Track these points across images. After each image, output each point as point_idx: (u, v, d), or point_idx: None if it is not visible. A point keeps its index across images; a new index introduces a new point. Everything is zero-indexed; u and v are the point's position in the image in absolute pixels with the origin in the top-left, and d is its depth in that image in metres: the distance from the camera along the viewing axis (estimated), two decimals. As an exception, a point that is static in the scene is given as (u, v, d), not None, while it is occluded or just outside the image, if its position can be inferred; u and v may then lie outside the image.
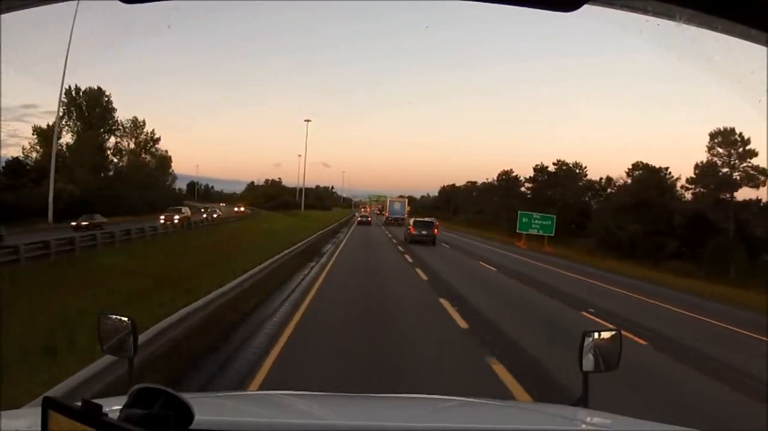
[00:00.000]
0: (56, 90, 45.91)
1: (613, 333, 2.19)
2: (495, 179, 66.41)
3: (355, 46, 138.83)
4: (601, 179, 52.95)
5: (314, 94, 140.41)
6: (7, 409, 1.58)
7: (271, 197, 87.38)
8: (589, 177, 55.09)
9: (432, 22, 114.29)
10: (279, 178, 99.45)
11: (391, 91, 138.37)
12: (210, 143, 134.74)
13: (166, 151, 60.59)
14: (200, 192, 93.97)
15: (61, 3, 1.11)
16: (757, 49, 0.96)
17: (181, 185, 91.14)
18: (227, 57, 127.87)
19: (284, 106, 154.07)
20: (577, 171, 56.72)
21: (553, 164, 56.92)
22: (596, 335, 2.15)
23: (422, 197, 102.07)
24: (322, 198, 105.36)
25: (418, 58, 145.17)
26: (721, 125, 37.70)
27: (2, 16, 1.04)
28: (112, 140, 52.46)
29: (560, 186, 55.03)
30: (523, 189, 61.09)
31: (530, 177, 58.93)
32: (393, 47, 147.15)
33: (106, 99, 50.72)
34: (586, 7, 0.92)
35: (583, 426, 1.95)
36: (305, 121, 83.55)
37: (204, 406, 1.42)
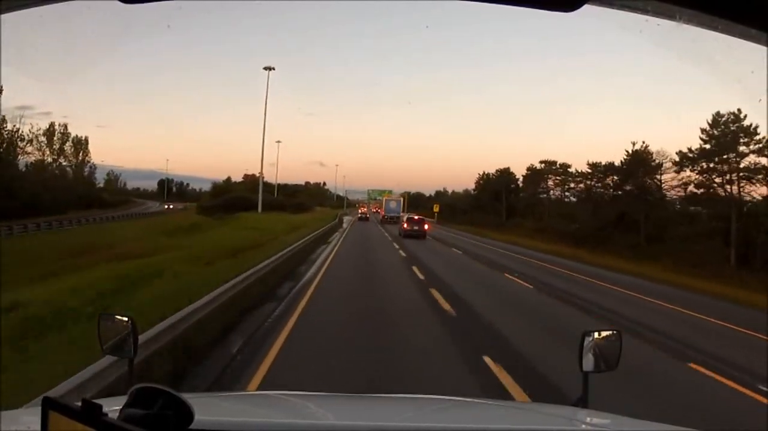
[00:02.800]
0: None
1: (613, 332, 2.18)
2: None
3: (354, 45, 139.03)
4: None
5: (313, 94, 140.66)
6: (7, 409, 1.58)
7: (218, 194, 71.80)
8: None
9: (432, 22, 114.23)
10: (260, 173, 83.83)
11: (389, 90, 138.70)
12: (209, 142, 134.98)
13: (66, 126, 50.34)
14: (171, 190, 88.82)
15: (61, 3, 1.11)
16: (757, 49, 0.96)
17: (152, 182, 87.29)
18: (225, 56, 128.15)
19: (282, 106, 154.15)
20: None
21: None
22: (596, 334, 2.13)
23: (437, 192, 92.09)
24: (296, 196, 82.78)
25: (418, 58, 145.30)
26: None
27: (2, 16, 1.04)
28: None
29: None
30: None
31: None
32: (393, 47, 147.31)
33: None
34: (586, 7, 0.92)
35: (583, 426, 1.95)
36: (265, 68, 51.70)
37: (204, 406, 1.42)
